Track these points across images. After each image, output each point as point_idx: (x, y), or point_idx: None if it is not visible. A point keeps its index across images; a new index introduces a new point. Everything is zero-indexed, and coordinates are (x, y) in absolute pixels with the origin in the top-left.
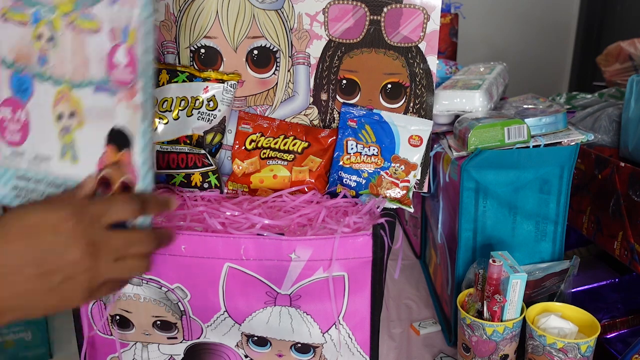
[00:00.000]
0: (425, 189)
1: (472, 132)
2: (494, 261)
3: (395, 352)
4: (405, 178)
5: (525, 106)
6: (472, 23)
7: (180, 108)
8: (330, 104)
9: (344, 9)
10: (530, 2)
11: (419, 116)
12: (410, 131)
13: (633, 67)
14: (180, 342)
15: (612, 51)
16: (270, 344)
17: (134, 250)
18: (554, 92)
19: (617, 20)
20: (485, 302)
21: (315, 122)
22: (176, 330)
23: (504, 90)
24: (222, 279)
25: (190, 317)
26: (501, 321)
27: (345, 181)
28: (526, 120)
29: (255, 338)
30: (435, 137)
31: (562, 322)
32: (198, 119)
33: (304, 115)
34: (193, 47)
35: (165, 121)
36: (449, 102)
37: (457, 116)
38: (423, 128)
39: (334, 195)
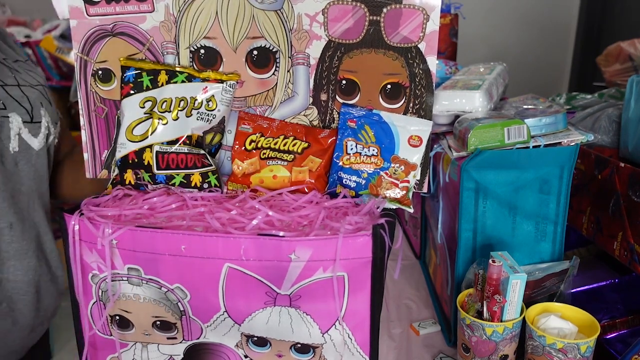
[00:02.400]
0: (425, 189)
1: (472, 133)
2: (493, 261)
3: (395, 352)
4: (405, 178)
5: (525, 106)
6: (472, 23)
7: (179, 108)
8: (330, 105)
9: (343, 10)
10: (530, 3)
11: (418, 116)
12: (409, 131)
13: (633, 67)
14: (180, 342)
15: (612, 51)
16: (270, 344)
17: None
18: (554, 92)
19: (617, 21)
20: (485, 302)
21: (315, 123)
22: (176, 331)
23: (504, 91)
24: (222, 279)
25: (190, 317)
26: (501, 321)
27: (345, 182)
28: (526, 120)
29: (255, 338)
30: (435, 138)
31: (561, 323)
32: (197, 119)
33: (304, 115)
34: (193, 47)
35: (164, 122)
36: (448, 102)
37: (457, 116)
38: (423, 128)
39: (333, 195)
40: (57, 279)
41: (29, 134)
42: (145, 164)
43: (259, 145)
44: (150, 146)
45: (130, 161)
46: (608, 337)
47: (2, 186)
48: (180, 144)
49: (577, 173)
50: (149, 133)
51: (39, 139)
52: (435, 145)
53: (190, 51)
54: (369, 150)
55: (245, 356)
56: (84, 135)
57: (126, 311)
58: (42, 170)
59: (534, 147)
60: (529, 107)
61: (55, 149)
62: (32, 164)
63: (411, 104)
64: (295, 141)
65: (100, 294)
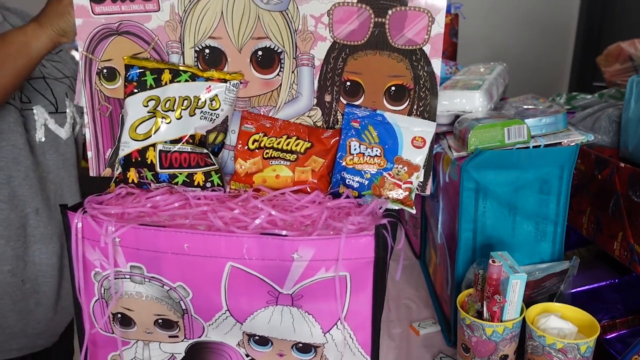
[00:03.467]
0: (428, 191)
1: (472, 133)
2: (493, 261)
3: (395, 352)
4: (408, 179)
5: (525, 106)
6: (472, 23)
7: (183, 107)
8: (334, 106)
9: (348, 11)
10: (530, 3)
11: (422, 119)
12: (413, 132)
13: (633, 67)
14: (182, 341)
15: (612, 52)
16: (272, 344)
17: None
18: (554, 92)
19: (617, 21)
20: (485, 302)
21: (319, 124)
22: (178, 329)
23: (504, 91)
24: (224, 278)
25: (191, 315)
26: (501, 321)
27: (348, 182)
28: (526, 120)
29: (257, 337)
30: (435, 138)
31: (561, 323)
32: (200, 119)
33: (308, 116)
34: (198, 47)
35: (168, 121)
36: (449, 102)
37: (457, 116)
38: (426, 129)
39: (336, 195)
40: None
41: (56, 124)
42: (149, 162)
43: (262, 144)
44: (154, 145)
45: (133, 160)
46: (608, 337)
47: (30, 173)
48: (183, 143)
49: (577, 173)
50: (152, 132)
51: (65, 129)
52: (435, 145)
53: (195, 51)
54: (372, 150)
55: (247, 355)
56: (88, 133)
57: (128, 309)
58: (71, 159)
59: (534, 147)
60: (529, 107)
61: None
62: (60, 153)
63: (415, 106)
64: (298, 141)
65: (102, 291)
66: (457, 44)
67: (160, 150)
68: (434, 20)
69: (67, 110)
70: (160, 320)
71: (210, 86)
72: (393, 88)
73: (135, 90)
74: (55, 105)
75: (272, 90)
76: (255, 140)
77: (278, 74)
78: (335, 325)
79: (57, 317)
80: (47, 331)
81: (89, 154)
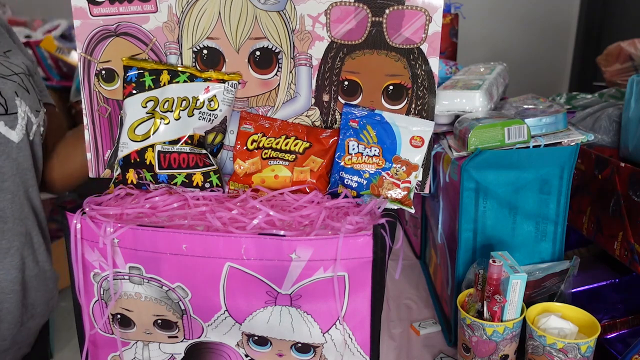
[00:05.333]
0: (426, 190)
1: (472, 133)
2: (494, 261)
3: (395, 352)
4: (407, 179)
5: (525, 106)
6: (472, 23)
7: (181, 108)
8: (332, 105)
9: (346, 11)
10: (530, 3)
11: (420, 118)
12: (411, 132)
13: (633, 67)
14: (181, 341)
15: (613, 51)
16: (271, 344)
17: None
18: (554, 92)
19: (617, 20)
20: (485, 302)
21: (317, 124)
22: (177, 329)
23: (504, 91)
24: (223, 278)
25: (191, 316)
26: (501, 321)
27: (347, 182)
28: (526, 120)
29: (256, 337)
30: (435, 137)
31: (562, 323)
32: (199, 119)
33: (306, 116)
34: (196, 48)
35: (166, 121)
36: (449, 102)
37: (457, 116)
38: (425, 129)
39: (335, 195)
40: (46, 273)
41: (6, 127)
42: (147, 163)
43: (261, 145)
44: (152, 146)
45: (132, 161)
46: (608, 337)
47: None
48: (182, 144)
49: (577, 173)
50: (151, 133)
51: (17, 131)
52: (435, 145)
53: (193, 51)
54: (370, 150)
55: (246, 355)
56: (87, 134)
57: (127, 310)
58: (25, 163)
59: (534, 147)
60: (529, 106)
61: (43, 138)
62: (13, 158)
63: (413, 105)
64: (296, 141)
65: (101, 292)
66: (457, 44)
67: (159, 151)
68: (432, 19)
69: (19, 111)
70: (159, 321)
71: (208, 87)
72: (391, 87)
73: (134, 91)
74: (5, 105)
75: (270, 91)
76: (254, 141)
77: (276, 74)
78: (334, 325)
79: (23, 329)
80: (14, 345)
81: (88, 155)
